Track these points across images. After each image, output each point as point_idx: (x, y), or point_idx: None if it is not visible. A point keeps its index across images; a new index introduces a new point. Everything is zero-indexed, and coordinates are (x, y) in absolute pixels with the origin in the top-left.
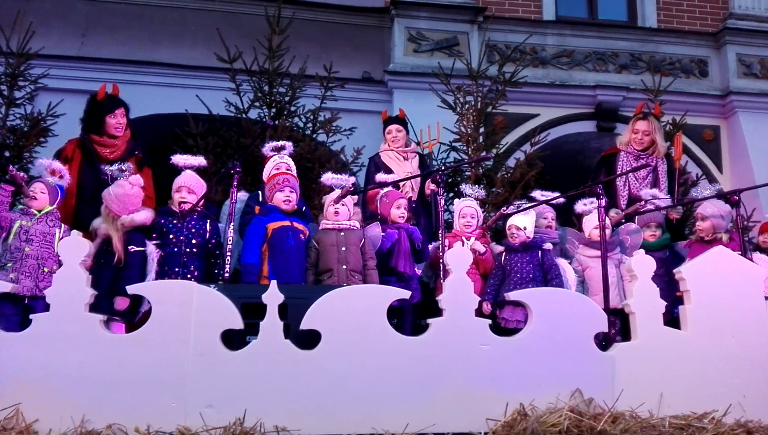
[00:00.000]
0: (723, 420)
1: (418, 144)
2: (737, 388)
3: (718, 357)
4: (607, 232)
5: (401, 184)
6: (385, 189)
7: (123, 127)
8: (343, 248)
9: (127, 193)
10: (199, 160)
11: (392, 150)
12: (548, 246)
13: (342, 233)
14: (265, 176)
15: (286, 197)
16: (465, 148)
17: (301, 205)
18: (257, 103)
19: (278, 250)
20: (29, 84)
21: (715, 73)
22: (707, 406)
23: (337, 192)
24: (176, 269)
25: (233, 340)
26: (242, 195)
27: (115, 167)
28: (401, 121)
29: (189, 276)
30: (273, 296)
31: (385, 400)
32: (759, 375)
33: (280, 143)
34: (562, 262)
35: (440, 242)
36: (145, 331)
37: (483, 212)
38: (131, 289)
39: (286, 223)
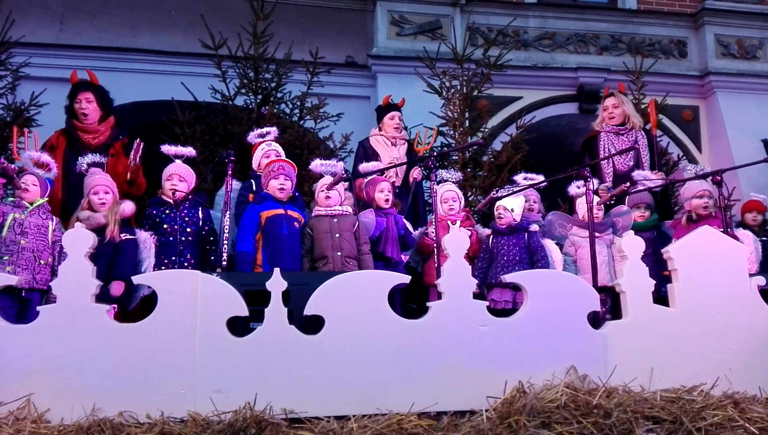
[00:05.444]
0: (711, 392)
1: (411, 143)
2: (724, 362)
3: (706, 332)
4: (600, 213)
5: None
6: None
7: (91, 112)
8: (337, 235)
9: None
10: (189, 151)
11: (382, 135)
12: (534, 227)
13: (335, 219)
14: (255, 164)
15: (280, 185)
16: (452, 132)
17: (294, 192)
18: (243, 90)
19: (272, 238)
20: (10, 73)
21: (694, 54)
22: (696, 380)
23: (328, 178)
24: (173, 258)
25: (238, 326)
26: (235, 184)
27: (87, 159)
28: (400, 109)
29: (186, 264)
30: (277, 283)
31: (389, 381)
32: (744, 348)
33: (264, 130)
34: (548, 243)
35: (432, 227)
36: (152, 319)
37: (470, 196)
38: (137, 279)
39: (280, 211)
